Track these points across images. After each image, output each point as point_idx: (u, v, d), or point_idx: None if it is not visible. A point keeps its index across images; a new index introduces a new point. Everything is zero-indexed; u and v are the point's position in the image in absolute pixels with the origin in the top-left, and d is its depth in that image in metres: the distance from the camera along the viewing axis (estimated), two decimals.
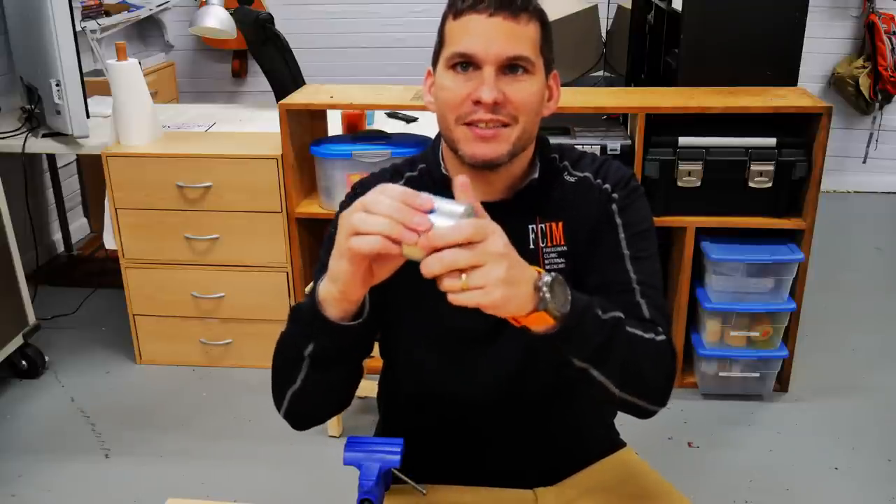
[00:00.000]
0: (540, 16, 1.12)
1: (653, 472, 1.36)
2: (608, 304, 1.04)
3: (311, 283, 1.21)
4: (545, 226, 1.19)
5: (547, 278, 0.92)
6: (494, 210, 1.17)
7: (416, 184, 1.22)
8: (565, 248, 1.19)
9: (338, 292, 0.95)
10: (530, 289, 0.91)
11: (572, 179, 1.22)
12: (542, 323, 0.94)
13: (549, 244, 1.19)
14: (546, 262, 1.19)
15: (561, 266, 1.19)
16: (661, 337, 1.10)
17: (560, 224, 1.19)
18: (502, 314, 0.90)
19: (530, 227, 1.19)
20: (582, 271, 1.18)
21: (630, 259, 1.16)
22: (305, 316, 1.01)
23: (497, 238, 0.87)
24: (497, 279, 0.85)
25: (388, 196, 0.86)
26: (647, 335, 1.08)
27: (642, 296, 1.14)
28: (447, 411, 1.26)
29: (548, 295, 0.92)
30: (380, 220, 0.85)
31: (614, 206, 1.19)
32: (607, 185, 1.20)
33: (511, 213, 1.18)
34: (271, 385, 1.13)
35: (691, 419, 2.57)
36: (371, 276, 0.93)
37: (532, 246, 1.19)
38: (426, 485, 1.24)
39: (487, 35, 1.07)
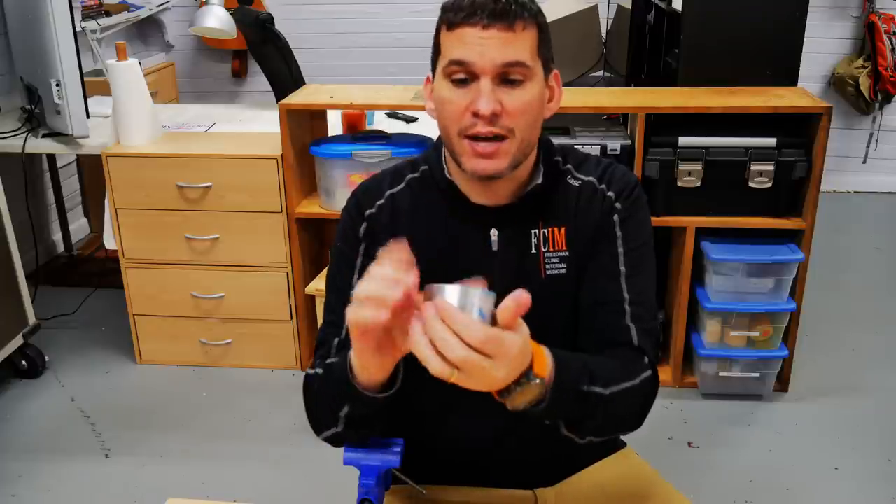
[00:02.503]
0: (536, 18, 1.08)
1: (653, 472, 1.36)
2: (600, 370, 1.03)
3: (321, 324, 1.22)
4: (547, 231, 1.18)
5: (524, 379, 0.90)
6: (499, 214, 1.17)
7: (419, 185, 1.22)
8: (566, 253, 1.18)
9: (357, 364, 0.98)
10: (509, 380, 0.88)
11: (576, 183, 1.21)
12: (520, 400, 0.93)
13: (551, 249, 1.18)
14: (547, 266, 1.18)
15: (562, 271, 1.18)
16: (647, 373, 1.10)
17: (563, 229, 1.18)
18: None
19: (533, 231, 1.18)
20: (581, 277, 1.18)
21: (625, 277, 1.16)
22: (338, 378, 1.02)
23: (517, 340, 0.85)
24: (491, 378, 0.85)
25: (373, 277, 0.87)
26: (632, 382, 1.07)
27: (633, 318, 1.14)
28: (448, 412, 1.26)
29: (516, 390, 0.90)
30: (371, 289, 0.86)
31: (616, 217, 1.18)
32: (611, 193, 1.19)
33: (515, 217, 1.18)
34: (307, 417, 1.15)
35: (691, 419, 2.57)
36: (390, 347, 0.92)
37: (534, 250, 1.18)
38: (426, 485, 1.24)
39: (482, 46, 1.05)
